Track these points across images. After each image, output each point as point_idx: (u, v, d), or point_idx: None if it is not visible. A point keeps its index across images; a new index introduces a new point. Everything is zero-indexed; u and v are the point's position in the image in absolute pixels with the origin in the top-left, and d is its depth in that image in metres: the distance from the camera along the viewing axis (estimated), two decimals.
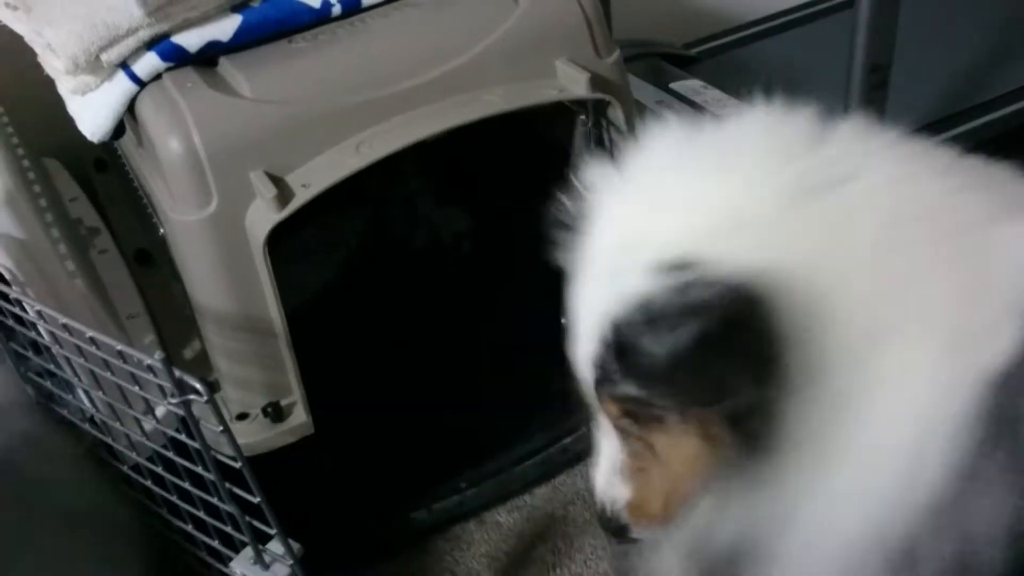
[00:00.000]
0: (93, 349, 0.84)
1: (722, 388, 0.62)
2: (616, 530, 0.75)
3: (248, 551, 0.89)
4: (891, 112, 1.28)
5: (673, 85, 1.55)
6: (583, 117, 1.08)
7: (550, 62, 1.03)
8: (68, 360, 0.92)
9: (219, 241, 0.95)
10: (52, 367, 0.96)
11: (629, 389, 0.65)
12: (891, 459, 0.62)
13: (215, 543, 0.93)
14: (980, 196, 0.67)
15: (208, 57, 0.99)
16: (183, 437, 0.84)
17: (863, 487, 0.63)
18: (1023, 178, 0.68)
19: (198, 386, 0.77)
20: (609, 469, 0.73)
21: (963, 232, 0.64)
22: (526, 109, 1.00)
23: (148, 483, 0.96)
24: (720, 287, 0.59)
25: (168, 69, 0.98)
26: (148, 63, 0.97)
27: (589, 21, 1.04)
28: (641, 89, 1.51)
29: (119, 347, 0.82)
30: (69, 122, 1.03)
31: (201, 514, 0.91)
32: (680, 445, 0.67)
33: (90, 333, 0.83)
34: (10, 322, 0.95)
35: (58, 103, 1.04)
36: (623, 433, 0.70)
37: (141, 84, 0.97)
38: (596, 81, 1.02)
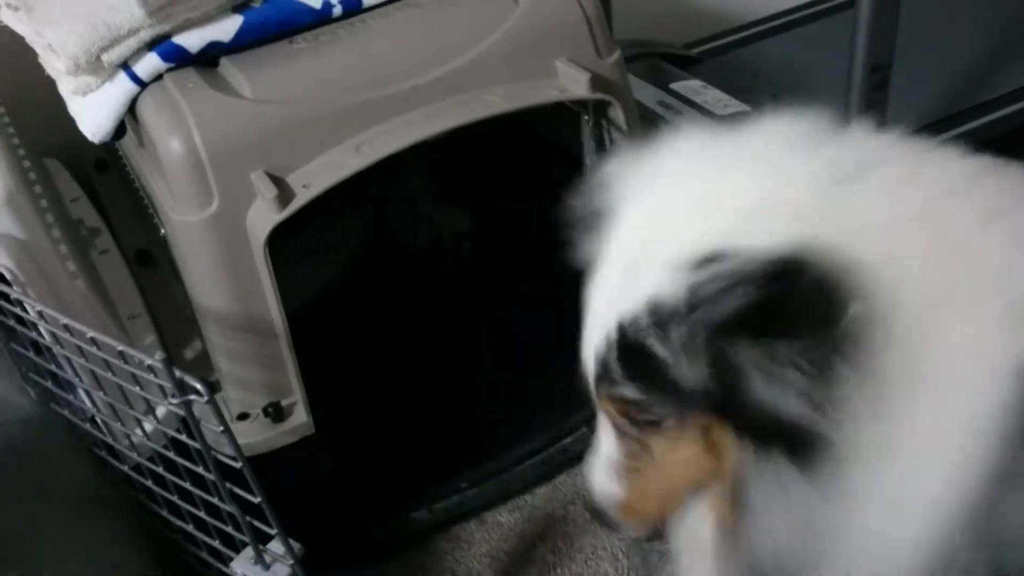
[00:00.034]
0: (94, 349, 0.84)
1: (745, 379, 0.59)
2: (607, 525, 0.75)
3: (249, 551, 0.89)
4: (892, 112, 1.28)
5: (673, 85, 1.55)
6: (587, 117, 1.08)
7: (550, 62, 1.03)
8: (69, 360, 0.93)
9: (220, 241, 0.95)
10: (53, 367, 0.96)
11: (628, 391, 0.65)
12: (938, 456, 0.60)
13: (216, 543, 0.93)
14: (1004, 180, 0.66)
15: (209, 57, 0.99)
16: (184, 437, 0.84)
17: (911, 490, 0.61)
18: None
19: (199, 386, 0.77)
20: (605, 465, 0.73)
21: (998, 211, 0.63)
22: (526, 109, 1.00)
23: (149, 483, 0.96)
24: (763, 263, 0.58)
25: (169, 69, 0.98)
26: (149, 63, 0.97)
27: (589, 21, 1.04)
28: (641, 89, 1.51)
29: (120, 347, 0.82)
30: (70, 122, 1.03)
31: (202, 514, 0.92)
32: (676, 449, 0.67)
33: (91, 333, 0.83)
34: (11, 322, 0.95)
35: (59, 103, 1.04)
36: (621, 432, 0.70)
37: (142, 84, 0.97)
38: (597, 81, 1.02)
